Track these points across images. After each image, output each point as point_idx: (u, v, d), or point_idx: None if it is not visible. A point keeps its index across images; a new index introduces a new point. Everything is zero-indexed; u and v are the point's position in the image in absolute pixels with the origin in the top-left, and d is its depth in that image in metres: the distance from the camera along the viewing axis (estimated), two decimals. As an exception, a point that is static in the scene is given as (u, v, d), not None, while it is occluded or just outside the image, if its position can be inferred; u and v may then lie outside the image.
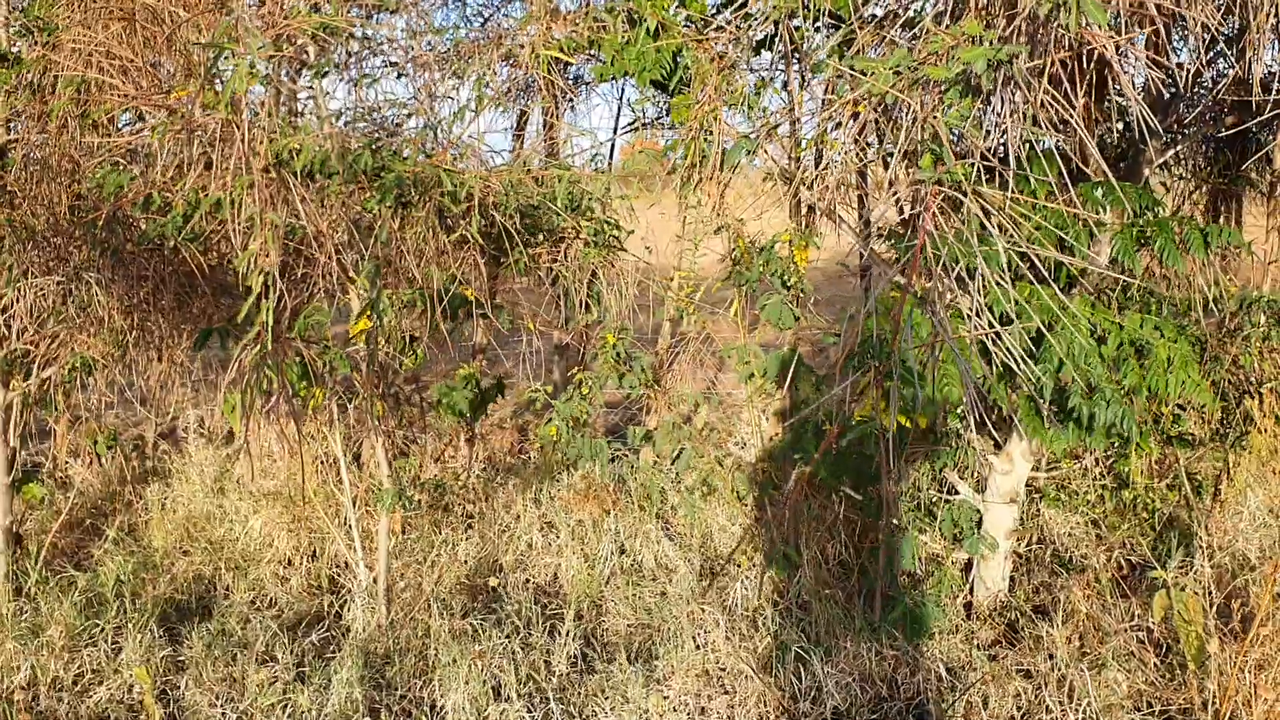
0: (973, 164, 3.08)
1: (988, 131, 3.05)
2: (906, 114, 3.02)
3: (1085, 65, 3.19)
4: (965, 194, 3.05)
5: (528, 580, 5.47)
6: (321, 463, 6.24)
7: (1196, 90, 4.72)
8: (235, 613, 5.04)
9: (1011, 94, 3.02)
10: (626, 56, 4.46)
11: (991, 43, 2.99)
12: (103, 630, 4.76)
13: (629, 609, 5.08)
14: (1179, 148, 5.30)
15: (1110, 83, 3.78)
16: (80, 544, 5.95)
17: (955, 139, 3.35)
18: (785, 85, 5.13)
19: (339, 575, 5.51)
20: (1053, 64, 3.00)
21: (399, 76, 5.37)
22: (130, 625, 4.78)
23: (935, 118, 2.89)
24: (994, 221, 3.30)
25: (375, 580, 5.06)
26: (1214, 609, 4.30)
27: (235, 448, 6.81)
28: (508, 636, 4.66)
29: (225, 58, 3.36)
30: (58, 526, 5.62)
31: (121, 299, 4.34)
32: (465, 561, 5.54)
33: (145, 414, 7.16)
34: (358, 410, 5.63)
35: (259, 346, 3.60)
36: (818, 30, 4.54)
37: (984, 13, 3.20)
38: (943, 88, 2.96)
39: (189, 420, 7.34)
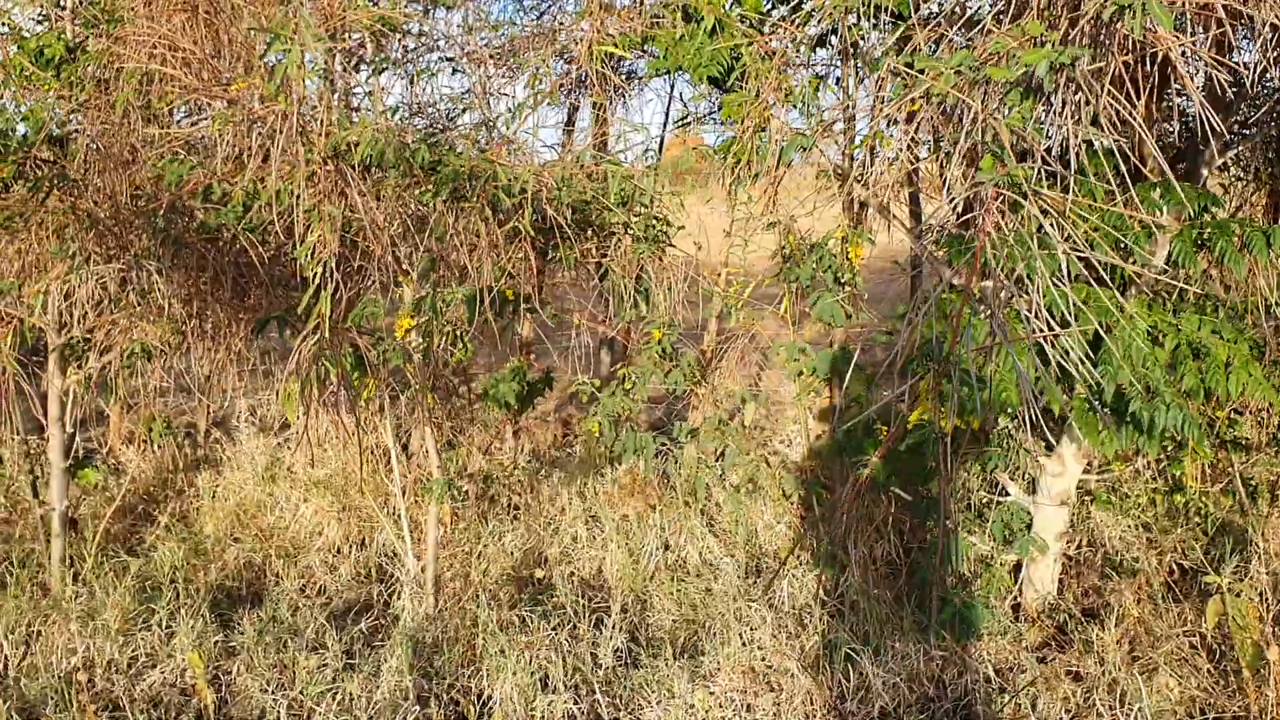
0: (1033, 166, 3.05)
1: (1048, 133, 3.02)
2: (967, 115, 2.99)
3: (1148, 67, 3.15)
4: (1025, 196, 3.02)
5: (572, 573, 5.49)
6: (371, 453, 6.30)
7: (1261, 90, 4.64)
8: (285, 600, 5.10)
9: (1073, 95, 2.99)
10: (682, 51, 4.46)
11: (1053, 44, 2.96)
12: (156, 615, 4.84)
13: (674, 604, 5.09)
14: (1240, 148, 5.21)
15: (1172, 81, 3.73)
16: (133, 529, 6.04)
17: (1015, 139, 3.32)
18: (840, 81, 5.10)
19: (387, 564, 5.56)
20: (1115, 65, 2.96)
21: (454, 72, 5.41)
22: (183, 610, 4.86)
23: (996, 118, 2.86)
24: (1051, 222, 3.27)
25: (423, 570, 5.10)
26: (1270, 615, 4.24)
27: (287, 436, 6.89)
28: (554, 628, 4.68)
29: (280, 47, 3.39)
30: (111, 512, 5.71)
31: (180, 287, 4.41)
32: (511, 553, 5.58)
33: (198, 401, 7.26)
34: (408, 401, 5.68)
35: (318, 336, 3.64)
36: (875, 28, 4.52)
37: (1045, 13, 3.17)
38: (1004, 89, 2.93)
39: (240, 409, 7.44)
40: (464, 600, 5.03)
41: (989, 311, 3.47)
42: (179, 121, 4.58)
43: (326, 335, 3.61)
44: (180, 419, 7.64)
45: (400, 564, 5.33)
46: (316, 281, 3.55)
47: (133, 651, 4.63)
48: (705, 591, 5.16)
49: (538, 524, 5.89)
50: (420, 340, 4.80)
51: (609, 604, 4.97)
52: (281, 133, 3.60)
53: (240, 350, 4.83)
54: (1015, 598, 5.02)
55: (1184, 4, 3.01)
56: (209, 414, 7.45)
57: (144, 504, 6.39)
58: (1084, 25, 3.13)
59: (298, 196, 3.62)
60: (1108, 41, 3.13)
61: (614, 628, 4.73)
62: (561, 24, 5.29)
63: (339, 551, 5.76)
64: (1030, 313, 3.61)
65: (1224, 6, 2.89)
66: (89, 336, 4.83)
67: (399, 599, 5.10)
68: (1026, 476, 5.15)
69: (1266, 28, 3.30)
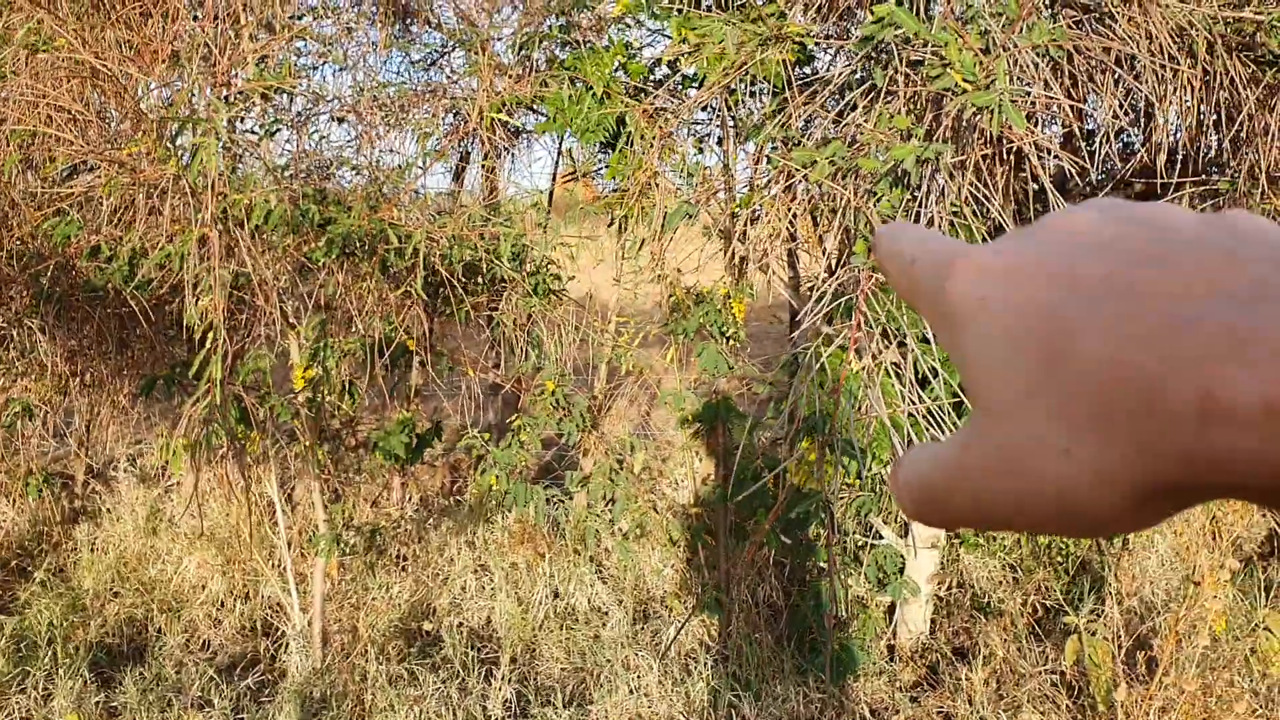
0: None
1: (917, 216, 3.25)
2: (840, 200, 3.20)
3: (1005, 154, 3.41)
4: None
5: (462, 624, 5.53)
6: (255, 504, 6.24)
7: (1108, 168, 5.00)
8: (169, 656, 5.03)
9: (938, 183, 3.23)
10: (570, 114, 4.61)
11: (919, 138, 3.19)
12: (32, 676, 4.73)
13: (563, 652, 5.17)
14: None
15: (1026, 161, 4.03)
16: (5, 587, 5.87)
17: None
18: (721, 143, 5.31)
19: (273, 618, 5.52)
20: (974, 157, 3.21)
21: (340, 122, 5.46)
22: (61, 670, 4.76)
23: (869, 208, 3.08)
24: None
25: (310, 623, 5.08)
26: (1122, 653, 4.52)
27: (169, 486, 6.77)
28: (444, 681, 4.72)
29: (182, 127, 3.43)
30: (-17, 568, 5.56)
31: (62, 345, 4.36)
32: (400, 605, 5.59)
33: (75, 451, 7.08)
34: (294, 453, 5.67)
35: (209, 400, 3.65)
36: (753, 95, 4.73)
37: (911, 104, 3.41)
38: (874, 179, 3.15)
39: (120, 458, 7.28)
40: (352, 654, 5.03)
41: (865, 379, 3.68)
42: (63, 175, 4.54)
43: (219, 399, 3.62)
44: (56, 467, 7.43)
45: (286, 618, 5.30)
46: (208, 346, 3.56)
47: (7, 716, 4.51)
48: (594, 638, 5.26)
49: (426, 574, 5.91)
50: (308, 393, 4.81)
51: (498, 654, 5.03)
52: (171, 194, 3.62)
53: (122, 405, 4.76)
54: (890, 639, 5.24)
55: (1034, 101, 3.28)
56: (87, 464, 7.27)
57: (18, 559, 6.21)
58: (947, 120, 3.37)
59: (184, 258, 3.64)
60: (968, 135, 3.38)
61: (503, 679, 4.79)
62: (452, 80, 5.40)
63: (223, 605, 5.69)
64: (898, 367, 3.84)
65: (1070, 107, 3.16)
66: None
67: (286, 653, 5.07)
68: (899, 520, 5.39)
69: (1109, 116, 3.61)
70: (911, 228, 0.43)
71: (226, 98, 3.64)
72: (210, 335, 3.52)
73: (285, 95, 4.42)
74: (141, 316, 4.43)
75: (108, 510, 6.59)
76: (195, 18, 3.91)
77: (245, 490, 5.64)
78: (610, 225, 5.17)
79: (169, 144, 3.51)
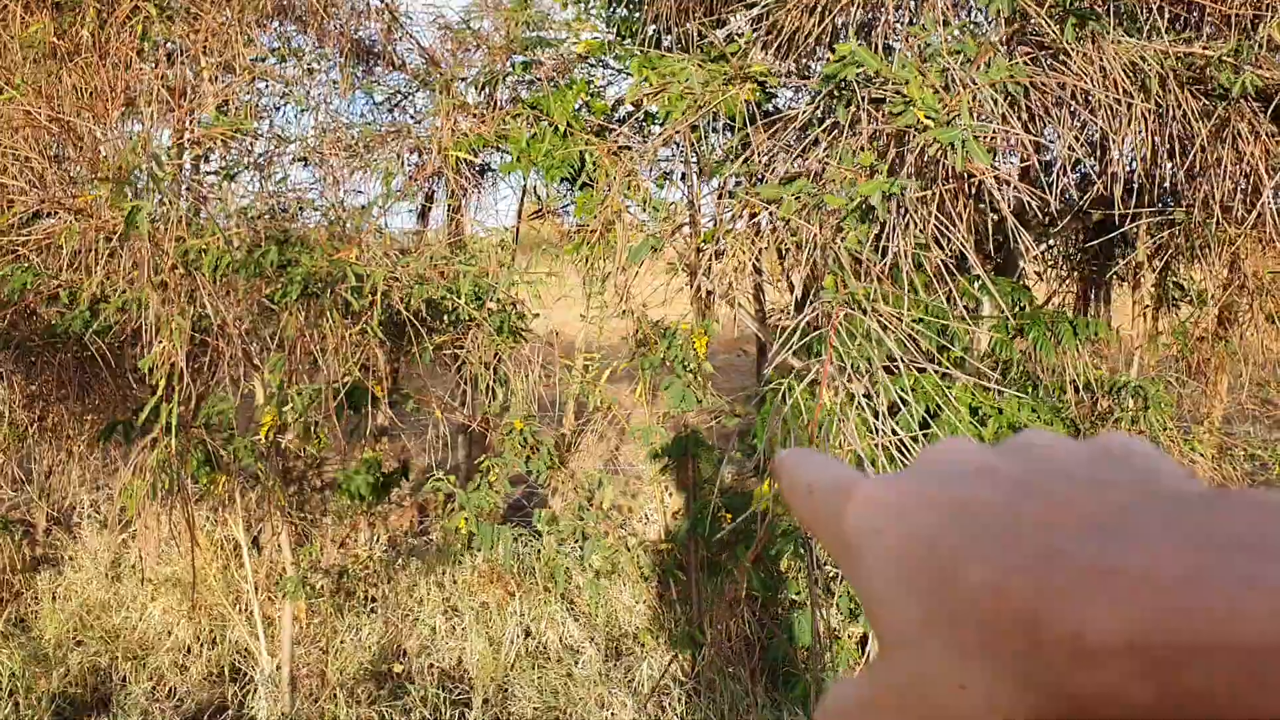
0: (869, 287, 3.30)
1: (883, 251, 3.28)
2: (806, 235, 3.22)
3: (967, 187, 3.45)
4: (865, 311, 3.26)
5: (432, 665, 5.47)
6: (221, 547, 6.16)
7: (1066, 199, 5.07)
8: (134, 705, 4.94)
9: (902, 217, 3.25)
10: (534, 152, 4.62)
11: (884, 173, 3.22)
12: (-8, 730, 4.64)
13: (535, 692, 5.12)
14: (1051, 241, 5.65)
15: (987, 194, 4.08)
16: (-35, 636, 5.75)
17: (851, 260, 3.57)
18: (685, 179, 5.34)
19: (240, 663, 5.44)
20: (939, 192, 3.24)
21: (305, 164, 5.44)
22: (22, 723, 4.67)
23: (836, 245, 3.10)
24: (883, 324, 3.52)
25: (279, 668, 5.01)
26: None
27: (133, 532, 6.67)
28: (414, 725, 4.67)
29: (137, 173, 3.40)
30: (-58, 619, 5.44)
31: (23, 390, 4.29)
32: (369, 647, 5.52)
33: (35, 498, 6.97)
34: (260, 495, 5.60)
35: (163, 444, 3.61)
36: (715, 131, 4.77)
37: (873, 140, 3.44)
38: (841, 215, 3.17)
39: (83, 504, 7.17)
40: (321, 699, 4.96)
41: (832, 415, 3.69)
42: (23, 221, 4.49)
43: (173, 445, 3.57)
44: (16, 514, 7.31)
45: (254, 663, 5.22)
46: (159, 392, 3.52)
47: (-35, 772, 4.42)
48: (567, 677, 5.21)
49: (395, 616, 5.85)
50: (273, 436, 4.77)
51: (470, 695, 4.98)
52: (130, 240, 3.58)
53: (82, 454, 4.70)
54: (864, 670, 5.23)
55: (994, 135, 3.32)
56: (48, 511, 7.15)
57: (-24, 609, 6.09)
58: (911, 156, 3.41)
59: (144, 304, 3.61)
60: (931, 170, 3.42)
61: (475, 721, 4.74)
62: (415, 120, 5.39)
63: (189, 651, 5.60)
64: (863, 397, 3.85)
65: (1029, 141, 3.20)
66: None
67: (254, 699, 4.99)
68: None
69: (1066, 150, 3.66)
70: (812, 456, 0.44)
71: (184, 143, 3.62)
72: (163, 382, 3.48)
73: (247, 138, 4.40)
74: (102, 361, 4.38)
75: (70, 557, 6.48)
76: (153, 64, 3.89)
77: (204, 534, 5.58)
78: (576, 261, 5.18)
79: (126, 190, 3.48)
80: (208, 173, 4.49)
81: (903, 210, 3.16)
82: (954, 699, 0.32)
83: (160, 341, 3.52)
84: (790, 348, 4.59)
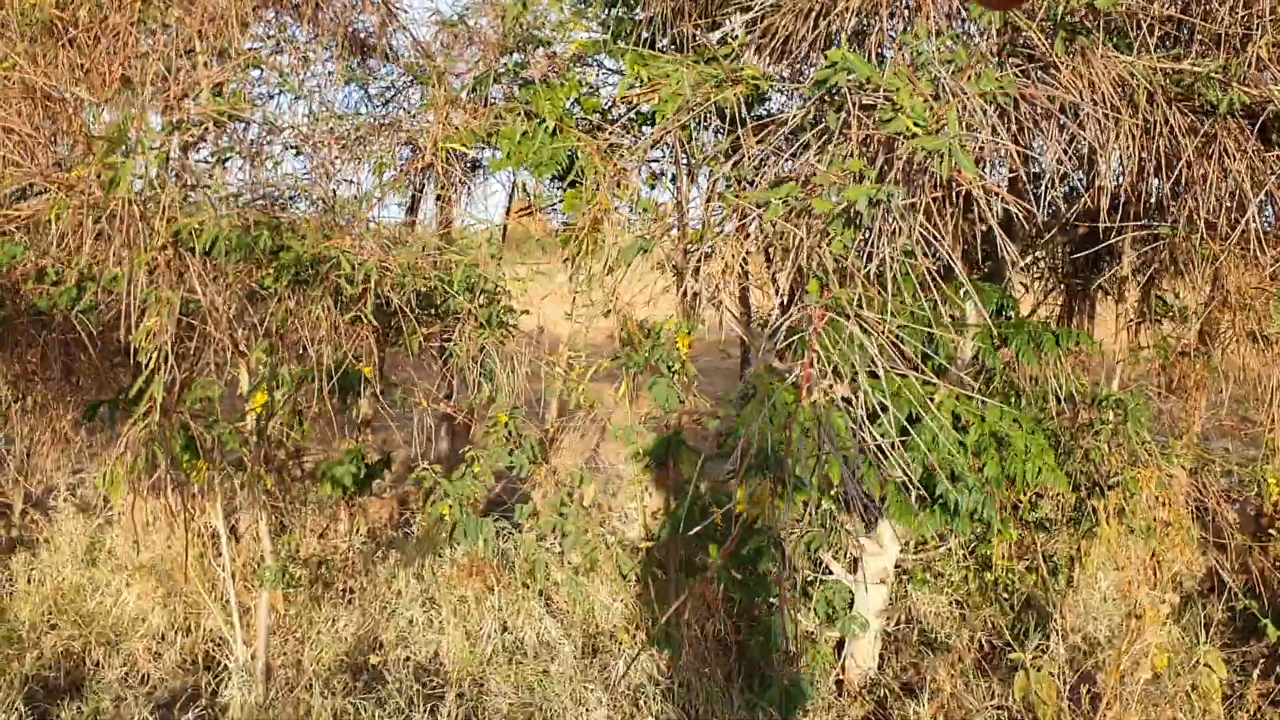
0: (854, 292, 3.32)
1: (869, 256, 3.30)
2: (793, 240, 3.25)
3: (954, 196, 3.48)
4: (847, 317, 3.28)
5: (408, 658, 5.46)
6: (199, 535, 6.13)
7: (1053, 211, 5.12)
8: (107, 690, 4.92)
9: (889, 224, 3.28)
10: (524, 150, 4.63)
11: (871, 179, 3.24)
12: (-37, 710, 4.60)
13: (511, 687, 5.12)
14: (1038, 252, 5.70)
15: (975, 204, 4.11)
16: (-62, 617, 5.71)
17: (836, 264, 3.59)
18: (674, 179, 5.36)
19: (214, 651, 5.42)
20: (925, 199, 3.27)
21: (297, 154, 5.43)
22: (-7, 704, 4.64)
23: (821, 249, 3.12)
24: (865, 329, 3.54)
25: (254, 657, 4.99)
26: (1067, 689, 4.57)
27: (110, 516, 6.63)
28: (389, 716, 4.66)
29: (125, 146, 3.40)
30: (-85, 599, 5.40)
31: (5, 368, 4.28)
32: (345, 639, 5.51)
33: (13, 480, 6.92)
34: (241, 483, 5.58)
35: (148, 422, 3.60)
36: (705, 129, 4.79)
37: (863, 146, 3.46)
38: (828, 219, 3.20)
39: (60, 487, 7.13)
40: (296, 689, 4.95)
41: (817, 414, 3.71)
42: (11, 198, 4.48)
43: (157, 422, 3.56)
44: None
45: (229, 651, 5.20)
46: (150, 366, 3.51)
47: (-65, 751, 4.39)
48: (543, 673, 5.21)
49: (373, 607, 5.84)
50: (256, 423, 4.76)
51: (445, 689, 4.97)
52: (121, 219, 3.58)
53: (66, 432, 4.68)
54: (839, 674, 5.25)
55: (982, 146, 3.36)
56: (25, 492, 7.11)
57: (-50, 590, 6.05)
58: (898, 163, 3.44)
59: (134, 283, 3.60)
60: (919, 178, 3.45)
61: (449, 715, 4.73)
62: (408, 114, 5.40)
63: (163, 638, 5.58)
64: (847, 400, 3.87)
65: (1017, 152, 3.23)
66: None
67: (228, 688, 4.98)
68: (848, 556, 5.42)
69: (1054, 163, 3.70)
70: None
71: (177, 122, 3.62)
72: (152, 358, 3.47)
73: (240, 123, 4.40)
74: (88, 342, 4.36)
75: (46, 540, 6.44)
76: (149, 45, 3.89)
77: (187, 521, 5.56)
78: (564, 260, 5.19)
79: (116, 166, 3.47)
80: (199, 160, 4.48)
81: (889, 217, 3.18)
82: None
83: (151, 316, 3.51)
84: (774, 350, 4.62)
